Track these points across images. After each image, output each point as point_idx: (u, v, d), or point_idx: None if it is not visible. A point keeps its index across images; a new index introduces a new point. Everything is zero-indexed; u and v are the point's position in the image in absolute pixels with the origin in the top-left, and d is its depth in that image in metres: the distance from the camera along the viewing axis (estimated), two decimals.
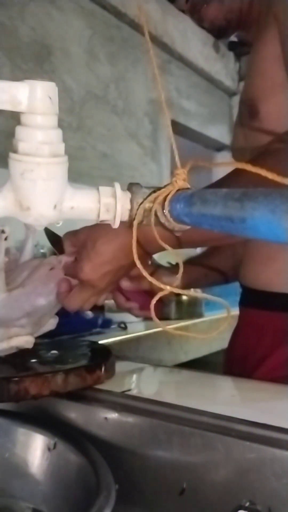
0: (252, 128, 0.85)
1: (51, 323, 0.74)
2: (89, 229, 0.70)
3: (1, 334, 0.66)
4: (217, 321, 1.79)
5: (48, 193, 0.43)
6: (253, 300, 0.87)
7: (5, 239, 0.68)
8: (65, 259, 0.73)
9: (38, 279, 0.70)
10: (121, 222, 0.61)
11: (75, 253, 0.72)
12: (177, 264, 0.55)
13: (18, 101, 0.39)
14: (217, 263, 0.99)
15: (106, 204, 0.46)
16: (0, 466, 0.60)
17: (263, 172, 0.35)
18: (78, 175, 2.27)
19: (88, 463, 0.52)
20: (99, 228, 0.69)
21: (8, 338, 0.67)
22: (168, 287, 0.48)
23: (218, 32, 1.03)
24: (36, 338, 0.71)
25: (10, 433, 0.61)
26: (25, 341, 0.68)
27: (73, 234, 0.73)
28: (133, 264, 0.64)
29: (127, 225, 0.63)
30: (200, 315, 1.89)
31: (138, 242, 0.61)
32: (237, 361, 0.89)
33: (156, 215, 0.46)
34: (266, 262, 0.84)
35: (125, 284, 0.80)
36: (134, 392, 0.67)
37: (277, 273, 0.82)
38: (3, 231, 0.67)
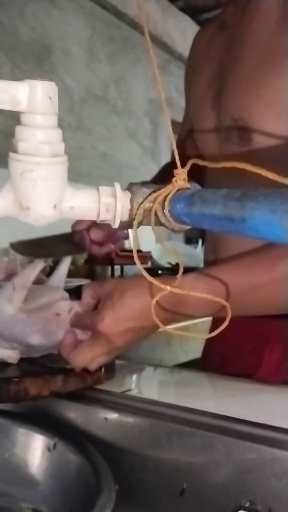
0: (239, 153, 0.73)
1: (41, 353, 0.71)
2: (118, 280, 0.66)
3: None
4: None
5: (48, 193, 0.43)
6: None
7: (44, 268, 0.67)
8: (76, 308, 0.67)
9: (42, 317, 0.66)
10: (155, 279, 0.61)
11: (94, 304, 0.66)
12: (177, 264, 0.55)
13: (18, 100, 0.39)
14: None
15: (106, 204, 0.45)
16: (0, 466, 0.60)
17: (263, 172, 0.35)
18: (78, 175, 2.28)
19: (88, 463, 0.52)
20: (130, 281, 0.64)
21: None
22: (168, 287, 0.47)
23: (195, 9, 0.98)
24: None
25: (10, 433, 0.61)
26: (9, 355, 0.66)
27: (97, 284, 0.66)
28: (155, 328, 0.62)
29: (159, 282, 0.61)
30: None
31: (167, 302, 0.60)
32: (215, 366, 0.87)
33: (156, 215, 0.46)
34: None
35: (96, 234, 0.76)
36: (134, 392, 0.67)
37: None
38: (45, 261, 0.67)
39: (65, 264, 0.76)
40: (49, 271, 2.27)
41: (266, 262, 0.62)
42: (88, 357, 0.63)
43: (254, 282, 0.62)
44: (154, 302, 0.49)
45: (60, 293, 0.71)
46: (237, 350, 0.83)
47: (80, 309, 0.66)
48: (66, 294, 0.71)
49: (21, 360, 0.67)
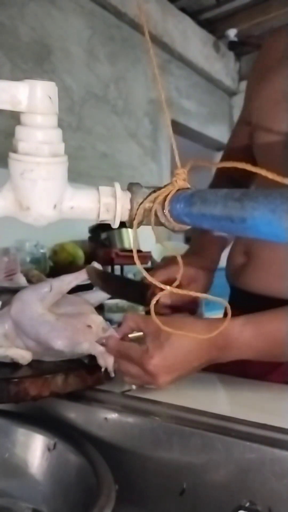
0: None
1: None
2: (163, 318, 0.64)
3: (6, 340, 0.65)
4: None
5: (48, 193, 0.43)
6: (250, 303, 0.84)
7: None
8: (112, 332, 0.66)
9: (73, 325, 0.65)
10: (197, 322, 0.62)
11: (142, 338, 0.65)
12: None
13: (18, 100, 0.39)
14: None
15: (106, 204, 0.45)
16: (0, 466, 0.60)
17: (263, 172, 0.35)
18: (78, 175, 2.28)
19: (88, 463, 0.52)
20: (175, 320, 0.64)
21: (8, 347, 0.65)
22: (168, 287, 0.47)
23: None
24: None
25: (10, 433, 0.61)
26: (21, 355, 0.65)
27: (141, 317, 0.66)
28: (199, 368, 0.64)
29: (204, 325, 0.62)
30: (200, 315, 1.89)
31: (214, 344, 0.61)
32: (231, 367, 0.87)
33: (156, 215, 0.46)
34: (268, 266, 0.83)
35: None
36: (134, 392, 0.67)
37: (277, 277, 0.81)
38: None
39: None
40: (49, 271, 2.26)
41: None
42: (130, 375, 0.64)
43: None
44: (154, 302, 0.49)
45: (89, 306, 0.71)
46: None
47: (117, 335, 0.65)
48: (93, 308, 0.71)
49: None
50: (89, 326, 0.65)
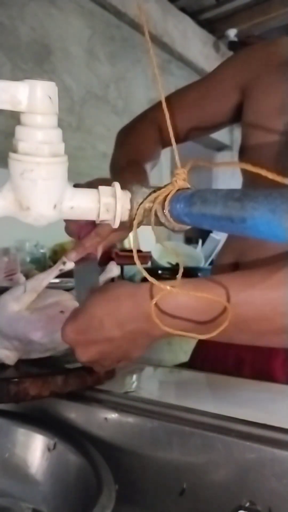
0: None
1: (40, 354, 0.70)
2: (96, 288, 0.61)
3: None
4: None
5: (48, 193, 0.43)
6: None
7: (60, 270, 0.67)
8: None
9: (46, 314, 0.66)
10: (123, 286, 0.55)
11: None
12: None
13: (18, 100, 0.39)
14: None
15: (106, 204, 0.46)
16: (0, 466, 0.60)
17: (263, 172, 0.35)
18: (78, 175, 2.27)
19: (88, 463, 0.52)
20: (101, 287, 0.61)
21: None
22: (168, 287, 0.47)
23: None
24: None
25: (10, 433, 0.61)
26: (6, 355, 0.66)
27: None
28: (137, 341, 0.55)
29: (132, 289, 0.53)
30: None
31: (139, 307, 0.52)
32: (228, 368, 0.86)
33: (156, 215, 0.46)
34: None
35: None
36: (134, 392, 0.67)
37: None
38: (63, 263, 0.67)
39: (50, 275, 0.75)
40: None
41: (264, 270, 0.54)
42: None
43: (252, 283, 0.53)
44: (154, 302, 0.49)
45: (68, 295, 0.72)
46: (225, 355, 0.83)
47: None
48: (71, 296, 0.72)
49: (20, 362, 0.67)
50: (62, 312, 0.66)
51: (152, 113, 1.02)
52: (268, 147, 0.83)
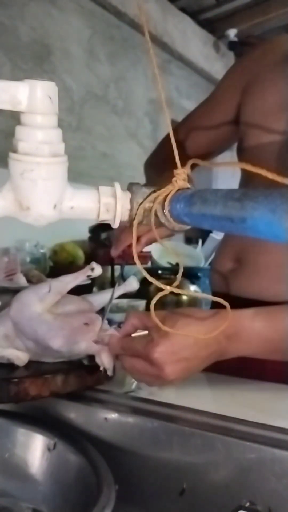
0: None
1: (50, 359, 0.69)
2: (166, 312, 0.62)
3: (5, 341, 0.65)
4: None
5: (48, 193, 0.43)
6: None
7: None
8: (112, 332, 0.64)
9: (70, 323, 0.65)
10: (206, 312, 0.59)
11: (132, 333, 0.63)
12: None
13: (18, 100, 0.39)
14: None
15: (106, 204, 0.45)
16: (0, 466, 0.60)
17: (263, 172, 0.35)
18: (78, 175, 2.27)
19: (88, 463, 0.52)
20: (179, 311, 0.63)
21: (5, 347, 0.65)
22: (168, 287, 0.47)
23: None
24: None
25: (10, 433, 0.61)
26: (17, 356, 0.65)
27: (144, 314, 0.64)
28: (208, 359, 0.61)
29: (212, 313, 0.60)
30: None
31: (223, 332, 0.58)
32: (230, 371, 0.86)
33: (156, 215, 0.46)
34: (263, 271, 0.82)
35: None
36: (134, 392, 0.67)
37: (273, 281, 0.80)
38: (92, 269, 0.66)
39: (111, 294, 0.74)
40: (49, 271, 2.25)
41: None
42: (136, 371, 0.61)
43: None
44: (154, 302, 0.49)
45: (89, 305, 0.70)
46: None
47: (117, 334, 0.64)
48: (94, 308, 0.71)
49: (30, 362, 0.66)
50: (86, 324, 0.64)
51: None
52: (268, 146, 0.82)
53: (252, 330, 0.62)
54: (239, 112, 0.90)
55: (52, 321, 0.64)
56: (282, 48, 0.88)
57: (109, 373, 0.63)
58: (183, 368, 0.59)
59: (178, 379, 0.60)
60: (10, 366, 0.65)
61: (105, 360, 0.62)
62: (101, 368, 0.63)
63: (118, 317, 1.48)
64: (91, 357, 0.64)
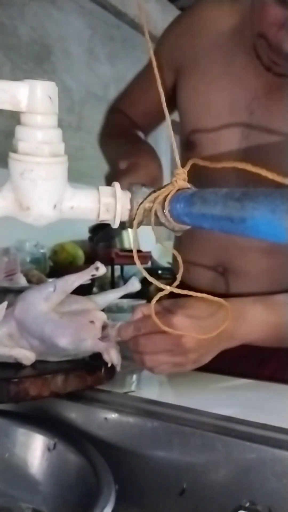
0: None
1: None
2: (171, 301, 0.63)
3: (10, 340, 0.66)
4: None
5: (48, 193, 0.43)
6: None
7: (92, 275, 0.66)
8: (121, 323, 0.64)
9: (76, 322, 0.65)
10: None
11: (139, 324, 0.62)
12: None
13: (18, 100, 0.39)
14: None
15: (106, 204, 0.45)
16: (0, 466, 0.60)
17: (263, 172, 0.35)
18: (78, 175, 2.27)
19: (88, 463, 0.52)
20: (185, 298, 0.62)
21: (12, 347, 0.66)
22: (168, 287, 0.47)
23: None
24: None
25: (10, 433, 0.61)
26: (25, 355, 0.65)
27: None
28: (222, 340, 0.63)
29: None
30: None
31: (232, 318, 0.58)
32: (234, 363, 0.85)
33: (156, 215, 0.46)
34: (251, 278, 0.81)
35: None
36: (134, 392, 0.67)
37: (261, 289, 0.78)
38: (96, 269, 0.66)
39: (117, 293, 0.75)
40: (49, 271, 2.26)
41: None
42: (152, 351, 0.61)
43: None
44: (154, 302, 0.49)
45: (93, 304, 0.70)
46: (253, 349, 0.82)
47: (126, 325, 0.64)
48: (98, 306, 0.71)
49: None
50: (92, 322, 0.65)
51: (118, 106, 0.99)
52: (225, 146, 0.78)
53: (254, 314, 0.64)
54: (176, 97, 0.84)
55: (58, 319, 0.64)
56: (215, 25, 0.80)
57: (118, 368, 0.64)
58: (200, 338, 0.59)
59: (195, 351, 0.61)
60: (11, 365, 0.65)
61: (113, 356, 0.63)
62: (109, 365, 0.63)
63: (118, 316, 1.48)
64: (93, 356, 0.64)
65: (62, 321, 0.64)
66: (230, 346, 0.66)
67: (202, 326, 0.60)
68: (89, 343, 0.63)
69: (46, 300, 0.65)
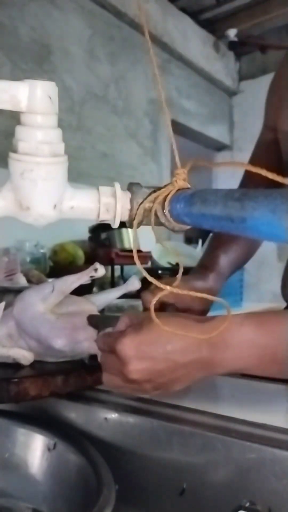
0: None
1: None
2: (163, 315, 0.58)
3: (9, 340, 0.66)
4: None
5: (48, 193, 0.43)
6: None
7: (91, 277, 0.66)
8: (108, 331, 0.61)
9: (72, 323, 0.64)
10: (195, 322, 0.53)
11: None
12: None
13: (18, 100, 0.39)
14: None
15: (106, 204, 0.45)
16: (0, 466, 0.60)
17: (263, 172, 0.35)
18: (78, 175, 2.28)
19: (88, 463, 0.52)
20: (166, 313, 0.60)
21: (11, 347, 0.65)
22: (168, 287, 0.47)
23: None
24: None
25: (10, 433, 0.61)
26: (23, 355, 0.65)
27: (135, 313, 0.60)
28: (190, 370, 0.54)
29: (201, 325, 0.53)
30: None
31: (206, 340, 0.51)
32: None
33: (156, 215, 0.46)
34: None
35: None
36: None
37: None
38: (95, 270, 0.65)
39: (117, 292, 0.75)
40: (49, 271, 2.26)
41: None
42: (105, 367, 0.56)
43: None
44: (154, 302, 0.48)
45: (90, 305, 0.70)
46: None
47: (111, 331, 0.61)
48: (96, 308, 0.71)
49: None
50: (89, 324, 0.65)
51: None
52: None
53: (241, 336, 0.52)
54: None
55: (54, 320, 0.64)
56: None
57: None
58: (148, 369, 0.53)
59: (142, 382, 0.54)
60: (10, 366, 0.65)
61: None
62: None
63: None
64: (92, 357, 0.64)
65: (58, 322, 0.64)
66: (214, 374, 0.56)
67: (151, 355, 0.52)
68: (85, 345, 0.63)
69: (43, 301, 0.65)
